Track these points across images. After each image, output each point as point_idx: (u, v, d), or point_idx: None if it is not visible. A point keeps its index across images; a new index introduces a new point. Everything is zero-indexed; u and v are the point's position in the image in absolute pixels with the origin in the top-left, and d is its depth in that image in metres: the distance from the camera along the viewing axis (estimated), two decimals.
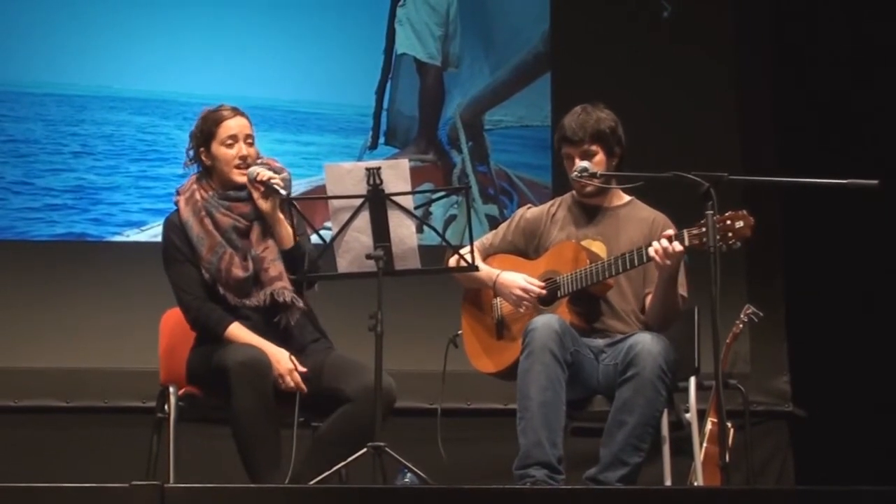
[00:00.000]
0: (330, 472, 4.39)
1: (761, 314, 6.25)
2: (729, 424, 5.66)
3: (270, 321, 4.73)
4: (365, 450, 4.34)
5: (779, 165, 6.75)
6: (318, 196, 4.73)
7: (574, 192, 4.94)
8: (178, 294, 4.77)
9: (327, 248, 4.57)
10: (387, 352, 4.42)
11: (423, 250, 4.56)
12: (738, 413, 6.04)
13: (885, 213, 6.37)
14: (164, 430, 4.76)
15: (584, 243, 4.82)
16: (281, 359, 4.62)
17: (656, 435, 4.57)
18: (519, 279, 4.80)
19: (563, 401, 4.52)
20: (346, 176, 4.52)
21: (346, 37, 6.99)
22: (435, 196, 6.65)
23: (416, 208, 4.56)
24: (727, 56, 7.09)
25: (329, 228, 4.59)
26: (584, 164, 4.78)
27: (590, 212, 4.91)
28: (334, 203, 4.52)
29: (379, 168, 4.49)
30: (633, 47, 7.02)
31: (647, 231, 4.82)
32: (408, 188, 4.50)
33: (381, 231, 4.50)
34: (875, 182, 4.41)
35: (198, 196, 4.77)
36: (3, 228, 6.68)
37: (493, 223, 6.64)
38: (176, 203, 4.82)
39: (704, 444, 5.75)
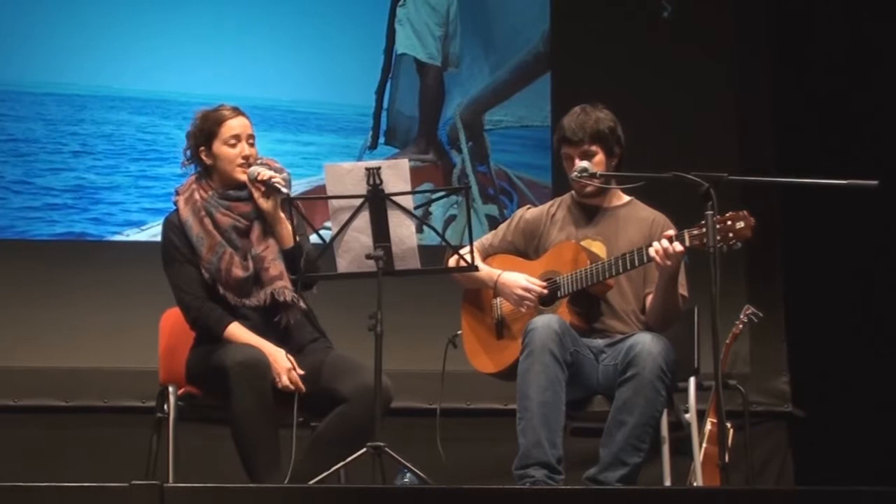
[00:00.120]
0: (329, 472, 4.39)
1: (761, 315, 6.25)
2: (728, 425, 5.68)
3: (270, 321, 4.73)
4: (364, 450, 4.34)
5: (778, 166, 6.75)
6: (318, 196, 4.72)
7: (573, 192, 4.94)
8: (178, 294, 4.77)
9: (327, 248, 4.57)
10: (386, 352, 4.41)
11: (423, 250, 4.56)
12: (737, 413, 6.03)
13: (885, 213, 6.37)
14: (163, 429, 4.76)
15: (583, 244, 4.82)
16: (279, 358, 4.62)
17: (656, 435, 4.58)
18: (520, 279, 4.80)
19: (562, 401, 4.52)
20: (345, 176, 4.52)
21: (346, 37, 6.99)
22: (435, 196, 6.65)
23: (415, 208, 4.56)
24: (727, 56, 7.09)
25: (329, 228, 4.59)
26: (584, 164, 4.78)
27: (589, 212, 4.91)
28: (334, 203, 4.52)
29: (379, 168, 4.49)
30: (632, 47, 7.02)
31: (647, 231, 4.82)
32: (408, 188, 4.50)
33: (380, 231, 4.50)
34: (874, 182, 4.41)
35: (197, 196, 4.77)
36: (3, 228, 6.68)
37: (493, 223, 6.64)
38: (175, 203, 4.81)
39: (704, 445, 5.75)
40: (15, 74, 6.78)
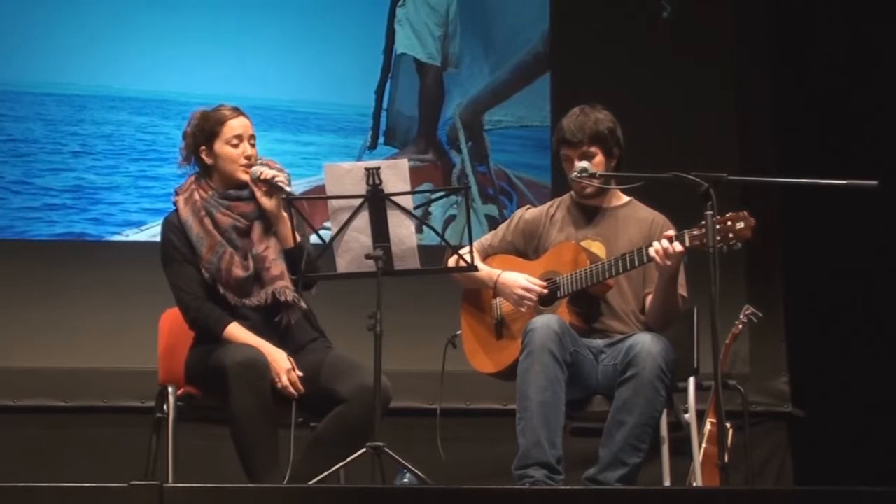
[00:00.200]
0: (329, 472, 4.39)
1: (760, 315, 6.25)
2: (728, 425, 5.68)
3: (269, 321, 4.72)
4: (364, 450, 4.34)
5: (778, 166, 6.75)
6: (318, 196, 4.72)
7: (573, 192, 4.94)
8: (177, 294, 4.76)
9: (326, 248, 4.57)
10: (386, 352, 4.41)
11: (423, 250, 4.56)
12: (737, 413, 6.04)
13: (885, 213, 6.37)
14: (163, 429, 4.75)
15: (583, 244, 4.82)
16: (278, 359, 4.61)
17: (655, 435, 4.58)
18: (520, 279, 4.80)
19: (562, 401, 4.52)
20: (345, 176, 4.52)
21: (345, 37, 6.99)
22: (434, 196, 6.65)
23: (415, 208, 4.55)
24: (726, 56, 7.09)
25: (328, 228, 4.59)
26: (584, 164, 4.78)
27: (589, 213, 4.91)
28: (333, 203, 4.52)
29: (378, 168, 4.49)
30: (632, 48, 7.02)
31: (647, 231, 4.82)
32: (407, 188, 4.50)
33: (380, 231, 4.50)
34: (874, 182, 4.41)
35: (197, 196, 4.76)
36: (3, 228, 6.68)
37: (493, 223, 6.64)
38: (175, 203, 4.81)
39: (703, 445, 5.75)
40: (15, 74, 6.78)
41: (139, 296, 6.30)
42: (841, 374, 6.62)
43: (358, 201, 4.49)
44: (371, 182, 4.48)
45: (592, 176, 4.77)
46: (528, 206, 5.25)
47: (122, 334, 6.43)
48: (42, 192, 6.72)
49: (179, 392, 4.78)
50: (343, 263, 4.55)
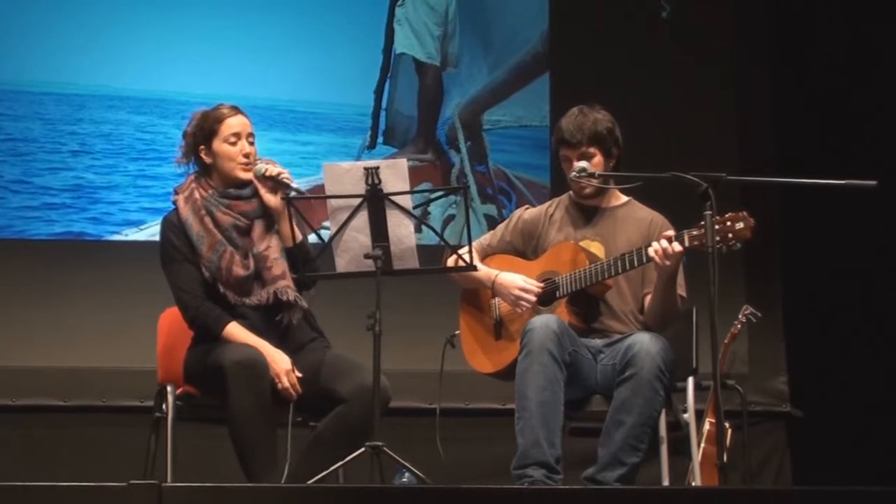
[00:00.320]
0: (328, 471, 4.39)
1: (759, 315, 6.25)
2: (727, 425, 5.68)
3: (269, 320, 4.72)
4: (363, 449, 4.34)
5: (777, 166, 6.75)
6: (317, 195, 4.72)
7: (572, 192, 4.94)
8: (177, 293, 4.76)
9: (326, 248, 4.57)
10: (385, 351, 4.41)
11: (422, 250, 4.56)
12: (735, 413, 6.05)
13: (884, 213, 6.37)
14: (161, 429, 4.75)
15: (582, 244, 4.82)
16: (278, 358, 4.61)
17: (654, 435, 4.58)
18: (518, 279, 4.80)
19: (561, 401, 4.52)
20: (344, 175, 4.52)
21: (344, 36, 6.99)
22: (433, 196, 6.66)
23: (414, 208, 4.56)
24: (726, 56, 7.09)
25: (328, 228, 4.58)
26: (584, 164, 4.78)
27: (587, 213, 4.91)
28: (333, 202, 4.52)
29: (377, 167, 4.49)
30: (631, 48, 7.02)
31: (646, 231, 4.82)
32: (406, 188, 4.50)
33: (379, 231, 4.50)
34: (873, 182, 4.41)
35: (197, 195, 4.76)
36: (2, 227, 6.67)
37: (492, 223, 6.64)
38: (174, 202, 4.80)
39: (702, 445, 5.75)
40: (13, 73, 6.78)
41: (138, 295, 6.30)
42: (840, 374, 6.62)
43: (357, 201, 4.49)
44: (370, 182, 4.48)
45: (591, 176, 4.77)
46: (526, 206, 5.24)
47: (120, 334, 6.43)
48: (41, 191, 6.72)
49: (178, 391, 4.78)
50: (342, 263, 4.55)
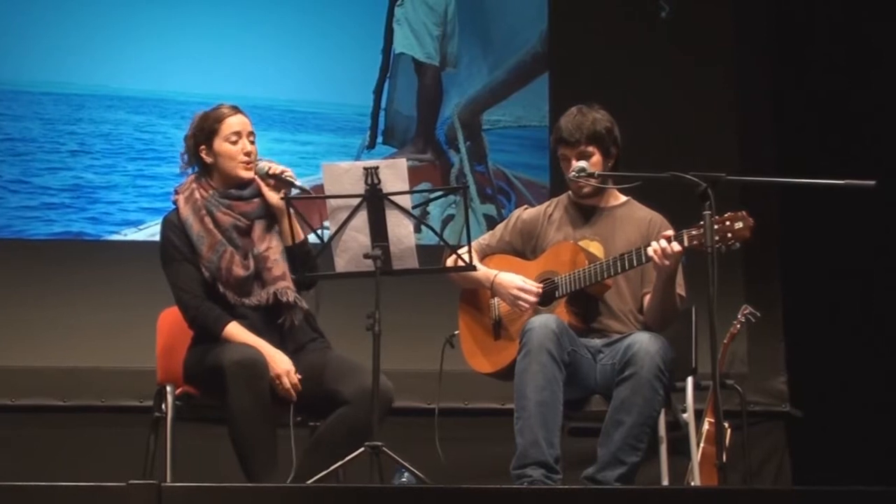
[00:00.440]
0: (327, 471, 4.39)
1: (759, 314, 6.25)
2: (726, 425, 5.68)
3: (269, 320, 4.72)
4: (362, 449, 4.34)
5: (777, 166, 6.75)
6: (317, 195, 4.72)
7: (571, 192, 4.94)
8: (177, 293, 4.76)
9: (325, 248, 4.57)
10: (384, 351, 4.41)
11: (421, 250, 4.57)
12: (735, 413, 6.05)
13: (883, 213, 6.37)
14: (161, 429, 4.75)
15: (581, 244, 4.82)
16: (278, 359, 4.61)
17: (654, 434, 4.57)
18: (517, 279, 4.80)
19: (560, 400, 4.52)
20: (343, 175, 4.52)
21: (344, 36, 6.99)
22: (433, 196, 6.66)
23: (413, 208, 4.56)
24: (725, 56, 7.09)
25: (328, 228, 4.58)
26: (582, 164, 4.78)
27: (586, 212, 4.91)
28: (332, 202, 4.52)
29: (377, 167, 4.49)
30: (631, 48, 7.02)
31: (645, 231, 4.82)
32: (405, 188, 4.50)
33: (378, 230, 4.50)
34: (872, 182, 4.41)
35: (197, 195, 4.76)
36: (1, 227, 6.67)
37: (491, 223, 6.64)
38: (175, 202, 4.80)
39: (702, 445, 5.76)
40: (12, 73, 6.77)
41: (137, 295, 6.30)
42: (839, 374, 6.62)
43: (356, 201, 4.49)
44: (369, 181, 4.48)
45: (591, 176, 4.77)
46: (525, 205, 5.24)
47: (120, 334, 6.43)
48: (40, 191, 6.72)
49: (178, 391, 4.77)
50: (341, 263, 4.55)
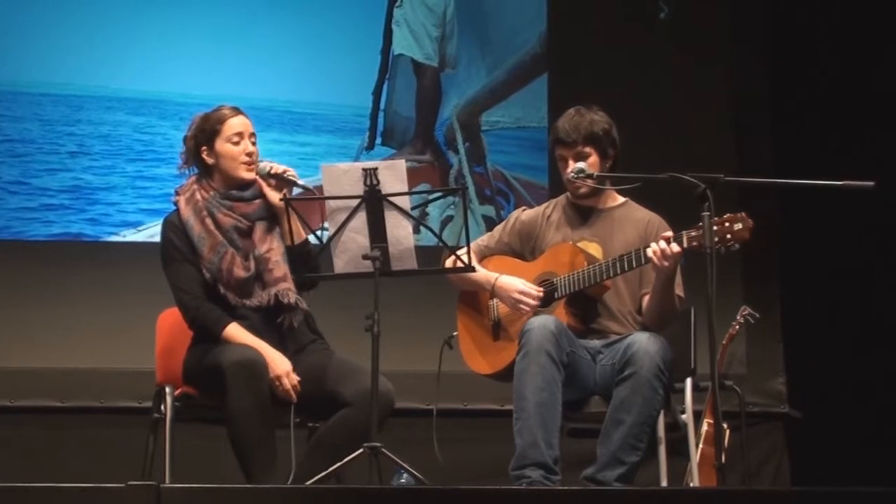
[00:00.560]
0: (326, 472, 4.39)
1: (757, 315, 6.25)
2: (725, 425, 5.67)
3: (269, 321, 4.72)
4: (361, 450, 4.34)
5: (776, 167, 6.75)
6: (316, 196, 4.72)
7: (568, 193, 4.94)
8: (177, 294, 4.75)
9: (324, 249, 4.57)
10: (383, 352, 4.41)
11: (420, 251, 4.57)
12: (734, 414, 6.04)
13: (883, 214, 6.37)
14: (160, 430, 4.75)
15: (580, 245, 4.82)
16: (278, 360, 4.61)
17: (653, 434, 4.58)
18: (517, 283, 4.80)
19: (559, 401, 4.52)
20: (342, 176, 4.52)
21: (343, 37, 6.99)
22: (432, 197, 6.67)
23: (412, 209, 4.56)
24: (724, 57, 7.09)
25: (326, 229, 4.58)
26: (581, 164, 4.79)
27: (585, 213, 4.91)
28: (331, 203, 4.53)
29: (376, 168, 4.49)
30: (630, 48, 7.02)
31: (643, 232, 4.82)
32: (405, 189, 4.50)
33: (377, 231, 4.50)
34: (871, 183, 4.41)
35: (198, 196, 4.76)
36: (0, 228, 6.67)
37: (490, 224, 6.65)
38: (175, 203, 4.80)
39: (700, 445, 5.75)
40: (11, 74, 6.78)
41: (136, 296, 6.30)
42: (838, 375, 6.62)
43: (355, 202, 4.50)
44: (368, 182, 4.48)
45: (589, 177, 4.77)
46: (524, 207, 5.25)
47: (119, 335, 6.43)
48: (39, 192, 6.72)
49: (177, 392, 4.77)
50: (340, 264, 4.55)
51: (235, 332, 4.66)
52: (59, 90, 6.83)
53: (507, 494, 3.89)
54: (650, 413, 4.51)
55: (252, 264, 4.71)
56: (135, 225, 6.74)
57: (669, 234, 4.57)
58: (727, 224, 4.40)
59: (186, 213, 4.74)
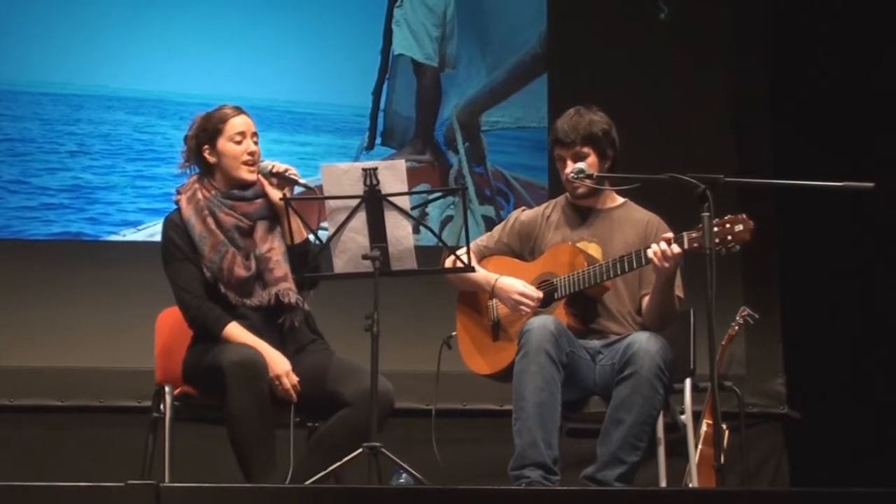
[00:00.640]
0: (325, 472, 4.39)
1: (757, 316, 6.25)
2: (724, 426, 5.68)
3: (269, 321, 4.72)
4: (361, 450, 4.34)
5: (775, 167, 6.75)
6: (315, 196, 4.72)
7: (567, 193, 4.94)
8: (177, 292, 4.75)
9: (323, 249, 4.57)
10: (383, 352, 4.41)
11: (420, 251, 4.57)
12: (733, 415, 6.05)
13: (883, 213, 6.37)
14: (159, 429, 4.75)
15: (579, 245, 4.82)
16: (277, 360, 4.61)
17: (653, 434, 4.57)
18: (517, 284, 4.80)
19: (558, 401, 4.52)
20: (342, 176, 4.52)
21: (343, 37, 6.99)
22: (431, 197, 6.67)
23: (412, 209, 4.56)
24: (724, 57, 7.09)
25: (326, 229, 4.59)
26: (581, 165, 4.79)
27: (584, 214, 4.91)
28: (331, 203, 4.53)
29: (375, 168, 4.49)
30: (629, 49, 7.02)
31: (642, 233, 4.82)
32: (404, 189, 4.50)
33: (377, 231, 4.50)
34: (870, 184, 4.41)
35: (200, 195, 4.76)
36: (0, 227, 6.67)
37: (490, 224, 6.65)
38: (177, 202, 4.80)
39: (700, 446, 5.76)
40: (11, 74, 6.78)
41: (136, 295, 6.30)
42: (837, 376, 6.62)
43: (355, 202, 4.50)
44: (368, 182, 4.48)
45: (589, 177, 4.77)
46: (523, 207, 5.25)
47: (118, 334, 6.43)
48: (39, 191, 6.72)
49: (176, 392, 4.77)
50: (340, 264, 4.55)
51: (235, 331, 4.66)
52: (59, 89, 6.83)
53: (507, 494, 3.89)
54: (650, 412, 4.51)
55: (253, 264, 4.72)
56: (134, 224, 6.74)
57: (670, 235, 4.57)
58: (728, 225, 4.40)
59: (188, 211, 4.74)
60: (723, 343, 6.14)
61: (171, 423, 4.69)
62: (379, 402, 4.41)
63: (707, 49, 7.07)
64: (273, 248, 4.74)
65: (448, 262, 4.80)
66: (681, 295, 4.74)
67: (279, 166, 4.75)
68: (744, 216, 4.41)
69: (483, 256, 4.98)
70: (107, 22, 6.81)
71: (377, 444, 4.34)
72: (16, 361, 6.50)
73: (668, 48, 7.04)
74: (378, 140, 6.99)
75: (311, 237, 4.72)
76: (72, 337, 6.54)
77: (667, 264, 4.53)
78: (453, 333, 5.01)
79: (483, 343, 4.93)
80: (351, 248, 4.52)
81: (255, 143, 4.80)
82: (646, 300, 4.78)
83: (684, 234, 4.51)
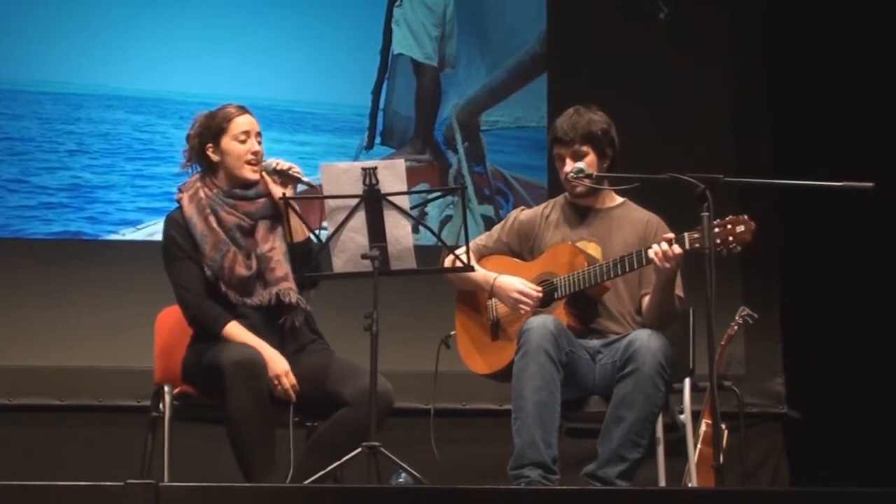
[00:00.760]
0: (324, 472, 4.39)
1: (756, 316, 6.25)
2: (723, 426, 5.68)
3: (270, 321, 4.72)
4: (360, 449, 4.34)
5: (775, 167, 6.75)
6: (315, 195, 4.72)
7: (566, 192, 4.94)
8: (178, 291, 4.75)
9: (323, 248, 4.57)
10: (382, 352, 4.41)
11: (419, 250, 4.57)
12: (732, 415, 6.04)
13: (883, 213, 6.37)
14: (158, 429, 4.75)
15: (579, 245, 4.81)
16: (276, 360, 4.61)
17: (653, 433, 4.57)
18: (517, 283, 4.79)
19: (558, 401, 4.52)
20: (342, 176, 4.52)
21: (342, 37, 6.99)
22: (431, 196, 6.67)
23: (412, 208, 4.56)
24: (724, 57, 7.09)
25: (326, 228, 4.59)
26: (580, 164, 4.79)
27: (583, 213, 4.91)
28: (330, 203, 4.53)
29: (375, 168, 4.49)
30: (629, 48, 7.02)
31: (642, 232, 4.82)
32: (404, 188, 4.50)
33: (376, 231, 4.50)
34: (870, 184, 4.41)
35: (202, 194, 4.76)
36: None
37: (489, 224, 6.64)
38: (178, 200, 4.80)
39: (699, 446, 5.75)
40: (11, 73, 6.77)
41: (135, 295, 6.30)
42: (836, 376, 6.62)
43: (354, 201, 4.50)
44: (368, 182, 4.48)
45: (588, 176, 4.77)
46: (523, 206, 5.24)
47: (118, 333, 6.43)
48: (38, 190, 6.72)
49: (175, 391, 4.77)
50: (339, 263, 4.55)
51: (235, 330, 4.66)
52: (59, 88, 6.83)
53: (506, 494, 3.88)
54: (652, 410, 4.51)
55: (254, 263, 4.72)
56: (134, 223, 6.74)
57: (671, 235, 4.56)
58: (729, 226, 4.40)
59: (189, 210, 4.74)
60: (722, 343, 6.14)
61: (170, 422, 4.69)
62: (378, 401, 4.41)
63: (707, 49, 7.07)
64: (274, 248, 4.74)
65: (447, 262, 4.79)
66: (681, 294, 4.74)
67: (283, 164, 4.76)
68: (745, 217, 4.41)
69: (482, 256, 4.98)
70: (107, 22, 6.81)
71: (376, 443, 4.34)
72: (15, 361, 6.50)
73: (667, 48, 7.04)
74: (377, 139, 6.99)
75: (312, 236, 4.72)
76: (71, 336, 6.54)
77: (668, 265, 4.52)
78: (452, 333, 5.00)
79: (482, 342, 4.92)
80: (350, 247, 4.52)
81: (259, 143, 4.80)
82: (646, 300, 4.77)
83: (685, 234, 4.51)
